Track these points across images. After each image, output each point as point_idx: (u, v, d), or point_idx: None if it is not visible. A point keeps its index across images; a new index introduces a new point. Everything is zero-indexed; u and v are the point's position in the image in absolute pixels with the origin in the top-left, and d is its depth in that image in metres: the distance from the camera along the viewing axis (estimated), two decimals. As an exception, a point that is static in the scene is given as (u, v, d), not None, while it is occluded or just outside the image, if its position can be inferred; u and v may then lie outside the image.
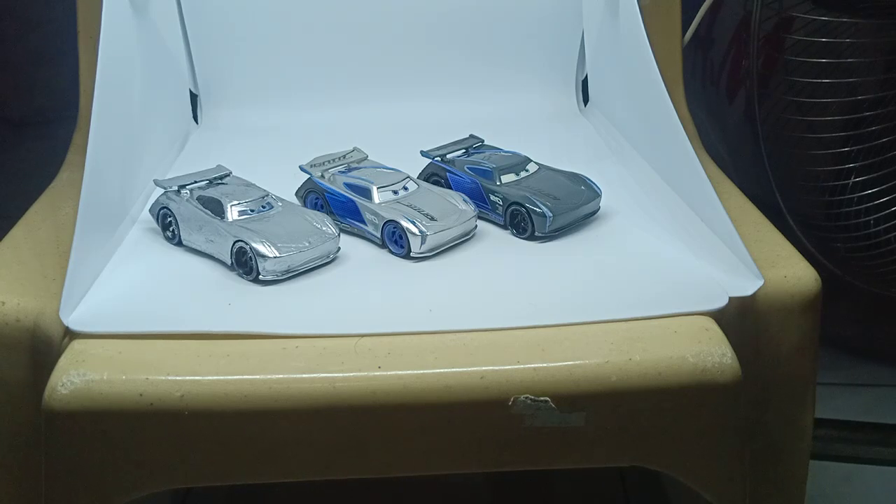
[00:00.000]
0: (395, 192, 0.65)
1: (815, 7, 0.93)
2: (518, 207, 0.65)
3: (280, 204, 0.64)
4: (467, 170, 0.69)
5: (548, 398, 0.50)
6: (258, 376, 0.50)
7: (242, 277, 0.59)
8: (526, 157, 0.70)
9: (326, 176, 0.67)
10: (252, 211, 0.62)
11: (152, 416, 0.49)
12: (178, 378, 0.49)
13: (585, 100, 0.92)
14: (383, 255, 0.63)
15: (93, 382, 0.49)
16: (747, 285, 0.56)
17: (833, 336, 1.05)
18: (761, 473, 0.61)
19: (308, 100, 0.90)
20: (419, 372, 0.50)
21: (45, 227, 0.67)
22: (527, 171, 0.69)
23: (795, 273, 0.59)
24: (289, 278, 0.59)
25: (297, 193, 0.69)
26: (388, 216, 0.62)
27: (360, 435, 0.51)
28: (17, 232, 0.66)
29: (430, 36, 0.90)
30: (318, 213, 0.64)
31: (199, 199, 0.63)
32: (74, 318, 0.53)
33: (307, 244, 0.60)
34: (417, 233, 0.61)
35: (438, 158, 0.71)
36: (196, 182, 0.65)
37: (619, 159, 0.78)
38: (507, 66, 0.91)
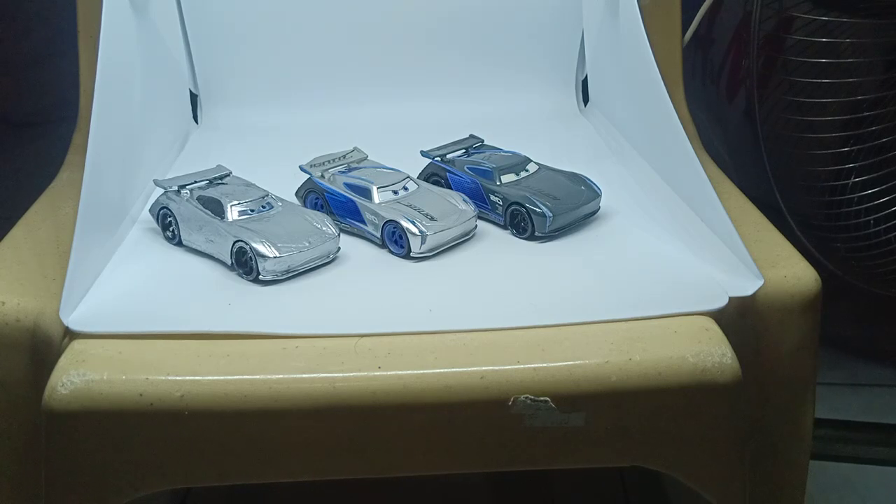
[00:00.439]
0: (395, 192, 0.65)
1: (815, 7, 0.93)
2: (518, 207, 0.65)
3: (280, 204, 0.64)
4: (467, 170, 0.69)
5: (548, 398, 0.50)
6: (258, 376, 0.50)
7: (242, 277, 0.59)
8: (526, 157, 0.70)
9: (326, 176, 0.67)
10: (252, 211, 0.62)
11: (152, 416, 0.49)
12: (178, 378, 0.49)
13: (585, 100, 0.92)
14: (383, 255, 0.63)
15: (93, 382, 0.49)
16: (747, 285, 0.56)
17: (833, 336, 1.06)
18: (761, 473, 0.61)
19: (308, 100, 0.90)
20: (419, 372, 0.50)
21: (45, 227, 0.67)
22: (527, 171, 0.69)
23: (795, 273, 0.59)
24: (289, 278, 0.59)
25: (297, 193, 0.69)
26: (388, 216, 0.62)
27: (360, 435, 0.51)
28: (17, 232, 0.66)
29: (431, 36, 0.90)
30: (318, 213, 0.64)
31: (199, 199, 0.63)
32: (74, 318, 0.53)
33: (307, 244, 0.60)
34: (417, 233, 0.61)
35: (438, 158, 0.71)
36: (196, 182, 0.65)
37: (619, 159, 0.78)
38: (507, 66, 0.91)
